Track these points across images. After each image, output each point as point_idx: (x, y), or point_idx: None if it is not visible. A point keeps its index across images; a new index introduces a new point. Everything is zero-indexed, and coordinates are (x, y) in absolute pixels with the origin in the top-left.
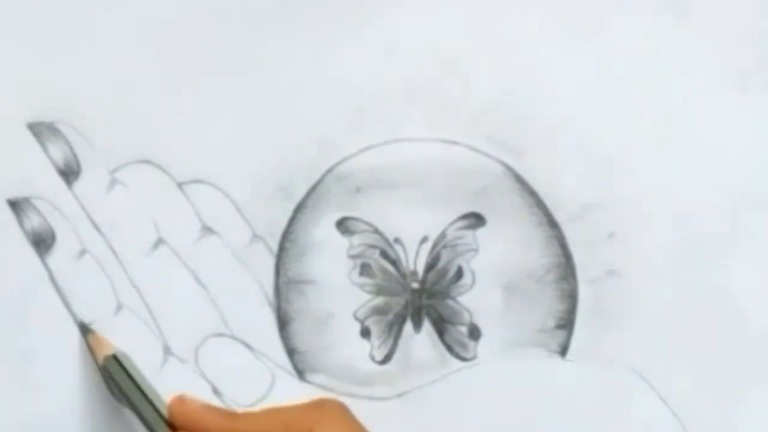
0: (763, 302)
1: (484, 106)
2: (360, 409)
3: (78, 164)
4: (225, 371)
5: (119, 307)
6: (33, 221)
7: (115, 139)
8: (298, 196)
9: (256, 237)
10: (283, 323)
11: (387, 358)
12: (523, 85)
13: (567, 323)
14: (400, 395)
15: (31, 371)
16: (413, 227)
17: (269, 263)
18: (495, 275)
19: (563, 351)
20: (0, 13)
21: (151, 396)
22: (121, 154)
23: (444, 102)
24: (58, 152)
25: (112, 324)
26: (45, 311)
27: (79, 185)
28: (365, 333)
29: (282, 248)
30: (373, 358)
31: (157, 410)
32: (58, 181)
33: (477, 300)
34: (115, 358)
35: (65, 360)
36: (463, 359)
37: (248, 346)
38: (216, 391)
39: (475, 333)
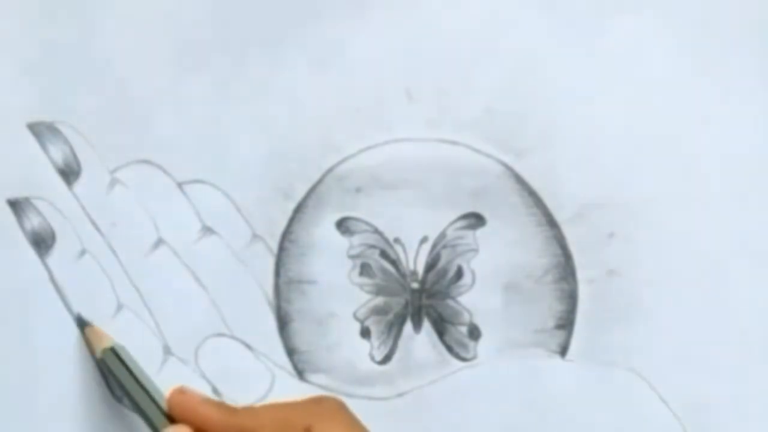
0: (763, 302)
1: (484, 106)
2: (360, 409)
3: (78, 164)
4: (225, 371)
5: (119, 307)
6: (33, 221)
7: (115, 139)
8: (298, 196)
9: (256, 237)
10: (283, 323)
11: (387, 358)
12: (523, 85)
13: (567, 323)
14: (400, 395)
15: (31, 371)
16: (413, 227)
17: (269, 263)
18: (495, 275)
19: (563, 351)
20: (0, 13)
21: (149, 388)
22: (121, 154)
23: (444, 102)
24: (58, 152)
25: (111, 324)
26: (45, 311)
27: (79, 185)
28: (365, 333)
29: (282, 248)
30: (373, 358)
31: (155, 402)
32: (58, 181)
33: (477, 300)
34: (113, 351)
35: (65, 360)
36: (463, 359)
37: (248, 346)
38: (216, 391)
39: (475, 333)
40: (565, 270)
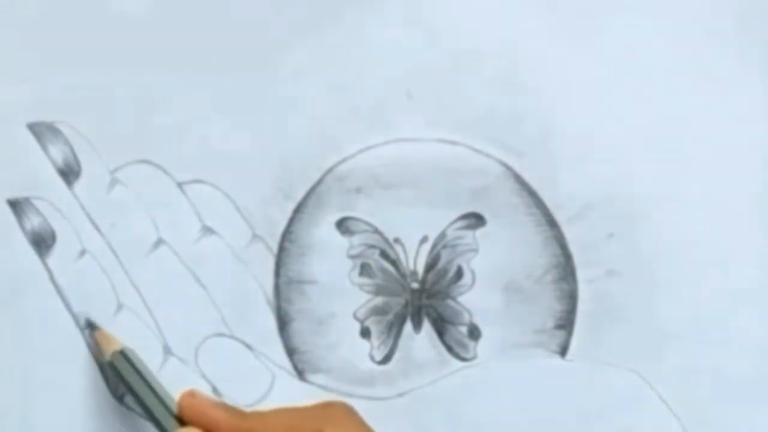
0: (764, 301)
1: (484, 106)
2: (360, 409)
3: (78, 164)
4: (225, 371)
5: (119, 307)
6: (33, 221)
7: (115, 139)
8: (298, 196)
9: (256, 237)
10: (283, 323)
11: (387, 358)
12: (523, 85)
13: (567, 323)
14: (400, 395)
15: (31, 371)
16: (413, 227)
17: (269, 263)
18: (495, 275)
19: (563, 351)
20: (0, 13)
21: (159, 391)
22: (121, 154)
23: (444, 102)
24: (58, 152)
25: (112, 324)
26: (45, 311)
27: (79, 185)
28: (365, 333)
29: (282, 248)
30: (373, 358)
31: (165, 405)
32: (58, 181)
33: (477, 300)
34: (122, 354)
35: (65, 360)
36: (463, 359)
37: (248, 346)
38: (216, 391)
39: (475, 333)
40: (565, 270)
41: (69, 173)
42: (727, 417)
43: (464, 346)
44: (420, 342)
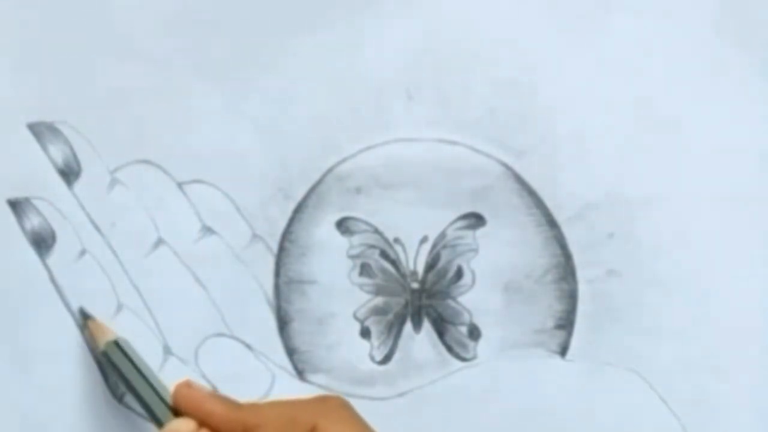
0: (762, 302)
1: (484, 106)
2: (360, 409)
3: (78, 164)
4: (225, 371)
5: (119, 307)
6: (33, 221)
7: (115, 139)
8: (298, 196)
9: (256, 237)
10: (283, 323)
11: (387, 358)
12: (523, 85)
13: (567, 323)
14: (400, 395)
15: (31, 371)
16: (413, 227)
17: (269, 263)
18: (495, 275)
19: (563, 351)
20: (0, 13)
21: (153, 382)
22: (121, 154)
23: (444, 102)
24: (58, 152)
25: (112, 324)
26: (45, 311)
27: (79, 185)
28: (365, 333)
29: (282, 248)
30: (373, 358)
31: (160, 396)
32: (58, 181)
33: (477, 300)
34: (116, 344)
35: (65, 360)
36: (463, 359)
37: (248, 346)
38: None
39: (475, 333)
40: (565, 270)
41: (69, 173)
42: (727, 417)
43: (464, 346)
44: (420, 342)
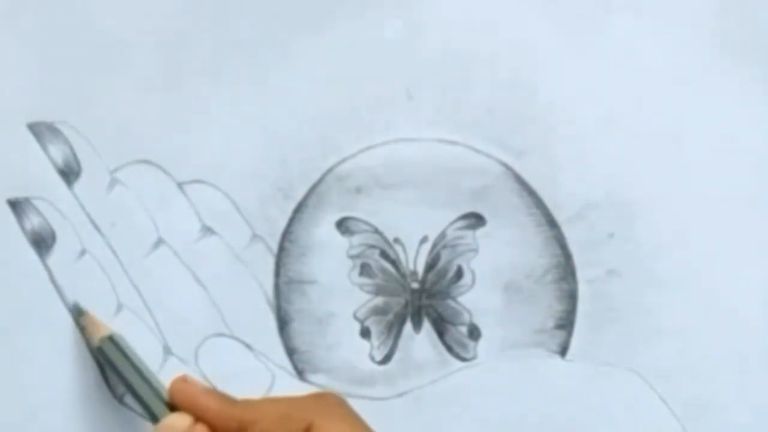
0: (762, 302)
1: (484, 106)
2: (360, 409)
3: (78, 164)
4: (225, 371)
5: (119, 307)
6: (33, 221)
7: (115, 139)
8: (298, 196)
9: (256, 237)
10: (283, 323)
11: (387, 358)
12: (523, 85)
13: (567, 323)
14: (400, 395)
15: (31, 371)
16: (413, 227)
17: (269, 263)
18: (495, 275)
19: (563, 351)
20: (0, 14)
21: (149, 377)
22: (121, 154)
23: (444, 102)
24: (58, 152)
25: (112, 324)
26: (45, 311)
27: (79, 185)
28: (365, 333)
29: (282, 248)
30: (373, 358)
31: (155, 391)
32: (58, 181)
33: (477, 300)
34: (111, 340)
35: (65, 360)
36: (463, 359)
37: (248, 346)
38: None
39: (475, 333)
40: (565, 270)
41: (69, 173)
42: (727, 417)
43: (464, 346)
44: (420, 342)
